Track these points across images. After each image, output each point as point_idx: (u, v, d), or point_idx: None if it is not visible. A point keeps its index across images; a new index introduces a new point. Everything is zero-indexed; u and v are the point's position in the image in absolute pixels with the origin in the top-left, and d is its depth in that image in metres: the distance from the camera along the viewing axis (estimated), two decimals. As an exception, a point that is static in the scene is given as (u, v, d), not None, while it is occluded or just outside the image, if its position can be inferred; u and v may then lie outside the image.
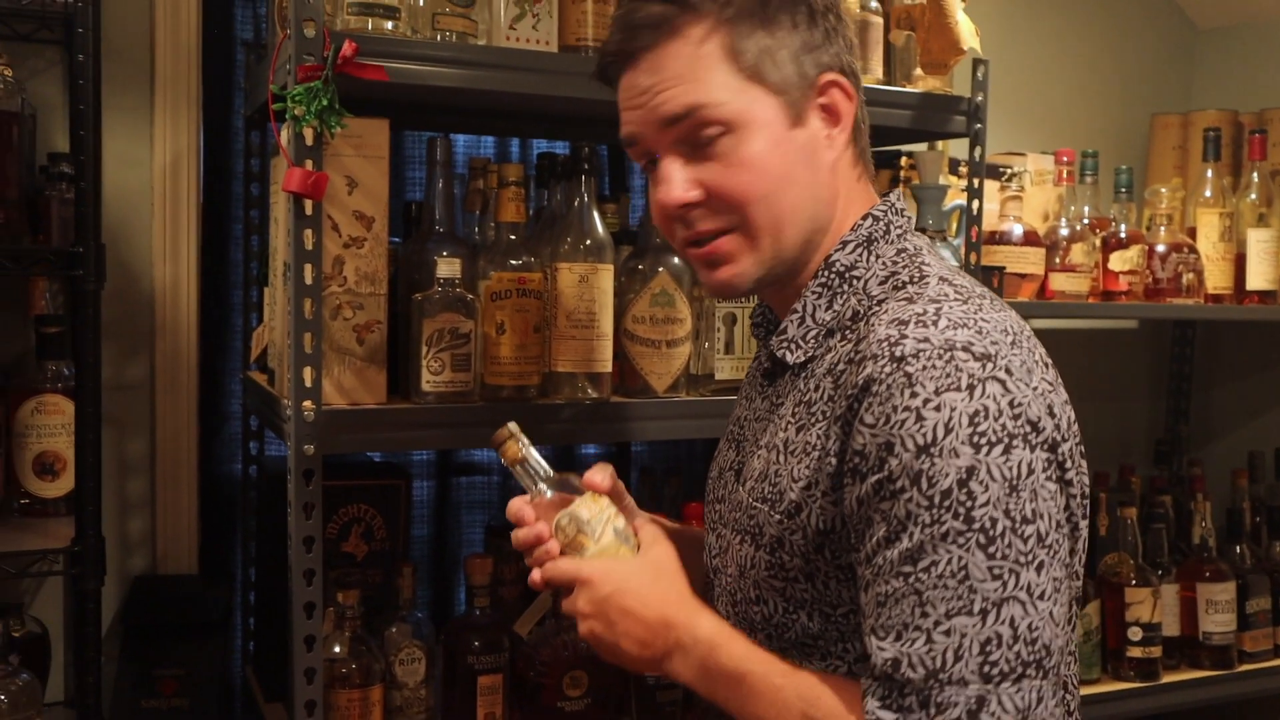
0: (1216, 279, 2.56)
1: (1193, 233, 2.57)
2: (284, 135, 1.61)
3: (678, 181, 1.12)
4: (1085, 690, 2.32)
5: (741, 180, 1.10)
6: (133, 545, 2.10)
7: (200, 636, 1.95)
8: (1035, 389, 1.00)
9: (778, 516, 1.09)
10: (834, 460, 1.04)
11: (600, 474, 1.21)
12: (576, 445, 2.43)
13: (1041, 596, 0.96)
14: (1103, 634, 2.39)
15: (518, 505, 1.21)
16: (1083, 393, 3.01)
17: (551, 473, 1.23)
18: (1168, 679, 2.41)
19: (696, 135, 1.10)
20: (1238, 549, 2.58)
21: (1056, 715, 0.97)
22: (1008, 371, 0.99)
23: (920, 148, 2.28)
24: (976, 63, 2.05)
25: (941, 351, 0.98)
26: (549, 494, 1.20)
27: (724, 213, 1.12)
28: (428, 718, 1.89)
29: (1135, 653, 2.37)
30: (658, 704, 1.91)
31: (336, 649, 1.73)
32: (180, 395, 2.11)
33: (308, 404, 1.59)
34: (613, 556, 1.15)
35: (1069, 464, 1.02)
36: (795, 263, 1.15)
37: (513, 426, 1.24)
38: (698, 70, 1.09)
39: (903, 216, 1.17)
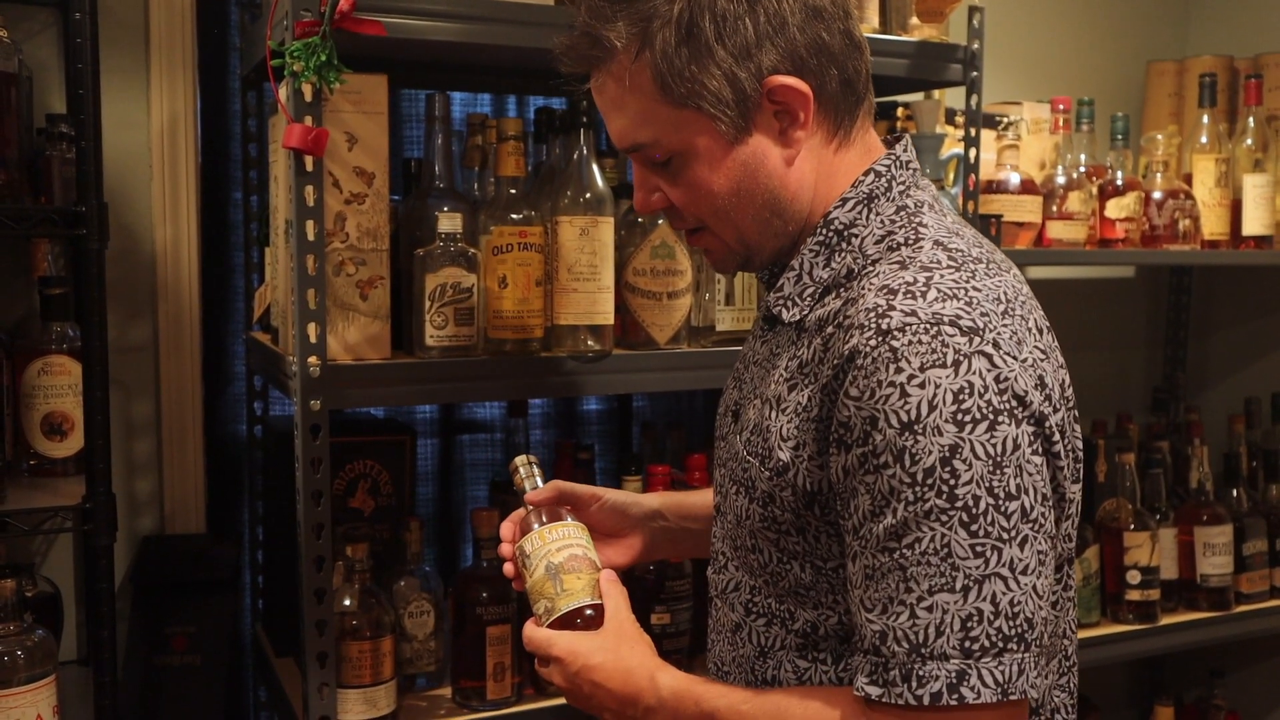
0: (1213, 225, 2.57)
1: (1189, 179, 2.58)
2: (283, 92, 1.62)
3: (643, 191, 1.17)
4: (1085, 633, 2.35)
5: (689, 201, 1.14)
6: (140, 506, 2.12)
7: (210, 594, 1.97)
8: (1024, 360, 1.00)
9: (767, 473, 1.10)
10: (817, 426, 1.05)
11: (544, 492, 1.32)
12: (579, 398, 2.45)
13: (1025, 571, 0.97)
14: (1102, 578, 2.42)
15: (505, 525, 1.34)
16: (1080, 341, 3.06)
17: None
18: (1166, 621, 2.44)
19: (648, 160, 1.14)
20: (1235, 493, 2.61)
21: (1039, 685, 0.99)
22: (995, 345, 0.98)
23: (917, 97, 2.28)
24: (972, 10, 2.04)
25: (928, 326, 0.98)
26: (533, 524, 1.28)
27: (688, 218, 1.16)
28: (438, 669, 1.92)
29: (1134, 596, 2.41)
30: (664, 652, 1.92)
31: (346, 602, 1.75)
32: (184, 357, 2.12)
33: (313, 359, 1.61)
34: (540, 592, 1.22)
35: (1056, 436, 1.02)
36: (778, 248, 1.16)
37: (528, 457, 1.37)
38: (632, 105, 1.10)
39: (908, 170, 1.15)
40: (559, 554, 1.23)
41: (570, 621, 1.19)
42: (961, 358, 0.97)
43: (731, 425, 1.22)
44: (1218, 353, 3.17)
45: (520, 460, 1.35)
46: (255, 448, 2.21)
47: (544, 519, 1.28)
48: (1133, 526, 2.41)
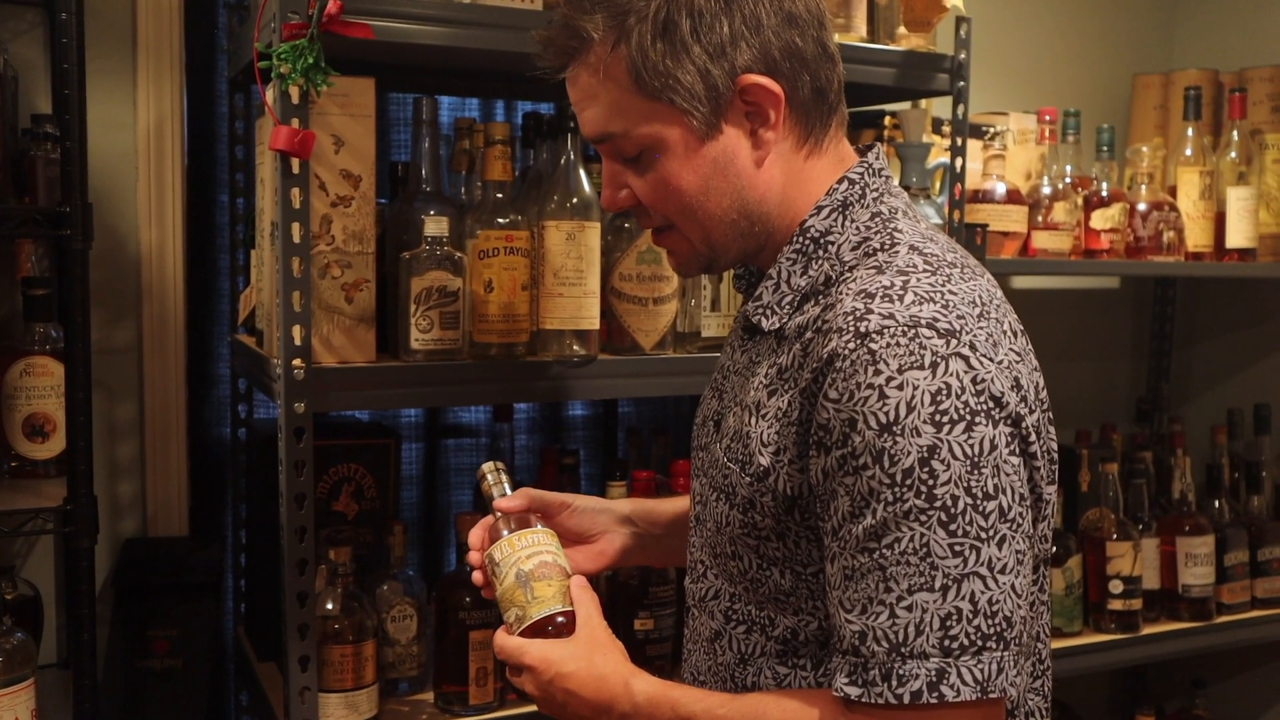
0: (1197, 237, 2.58)
1: (1173, 191, 2.60)
2: (270, 94, 1.61)
3: (611, 188, 1.17)
4: (1068, 642, 2.36)
5: (657, 196, 1.14)
6: (123, 508, 2.11)
7: (192, 597, 1.96)
8: (1000, 362, 1.01)
9: (748, 479, 1.10)
10: (797, 430, 1.05)
11: (513, 500, 1.31)
12: (564, 403, 2.45)
13: (1003, 570, 0.98)
14: (1084, 587, 2.43)
15: (474, 532, 1.32)
16: (1065, 352, 3.08)
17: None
18: (1147, 630, 2.45)
19: (617, 153, 1.15)
20: (1216, 503, 2.63)
21: (1017, 684, 0.99)
22: (971, 347, 0.99)
23: (904, 106, 2.29)
24: (959, 20, 2.05)
25: (906, 328, 0.99)
26: (503, 531, 1.27)
27: (655, 216, 1.17)
28: (420, 673, 1.91)
29: (1116, 605, 2.41)
30: (648, 657, 1.94)
31: (329, 606, 1.74)
32: (168, 359, 2.12)
33: (297, 362, 1.60)
34: (510, 600, 1.21)
35: (1033, 436, 1.03)
36: (743, 251, 1.17)
37: (495, 464, 1.35)
38: (606, 96, 1.11)
39: (880, 177, 1.16)
40: (529, 561, 1.23)
41: (542, 629, 1.19)
42: (939, 359, 0.98)
43: (713, 434, 1.22)
44: (1201, 364, 3.19)
45: (488, 467, 1.35)
46: (239, 451, 2.20)
47: (513, 526, 1.27)
48: (1115, 536, 2.42)
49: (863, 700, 0.99)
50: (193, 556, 2.04)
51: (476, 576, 1.30)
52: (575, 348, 1.77)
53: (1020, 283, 2.93)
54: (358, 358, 1.68)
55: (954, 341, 0.99)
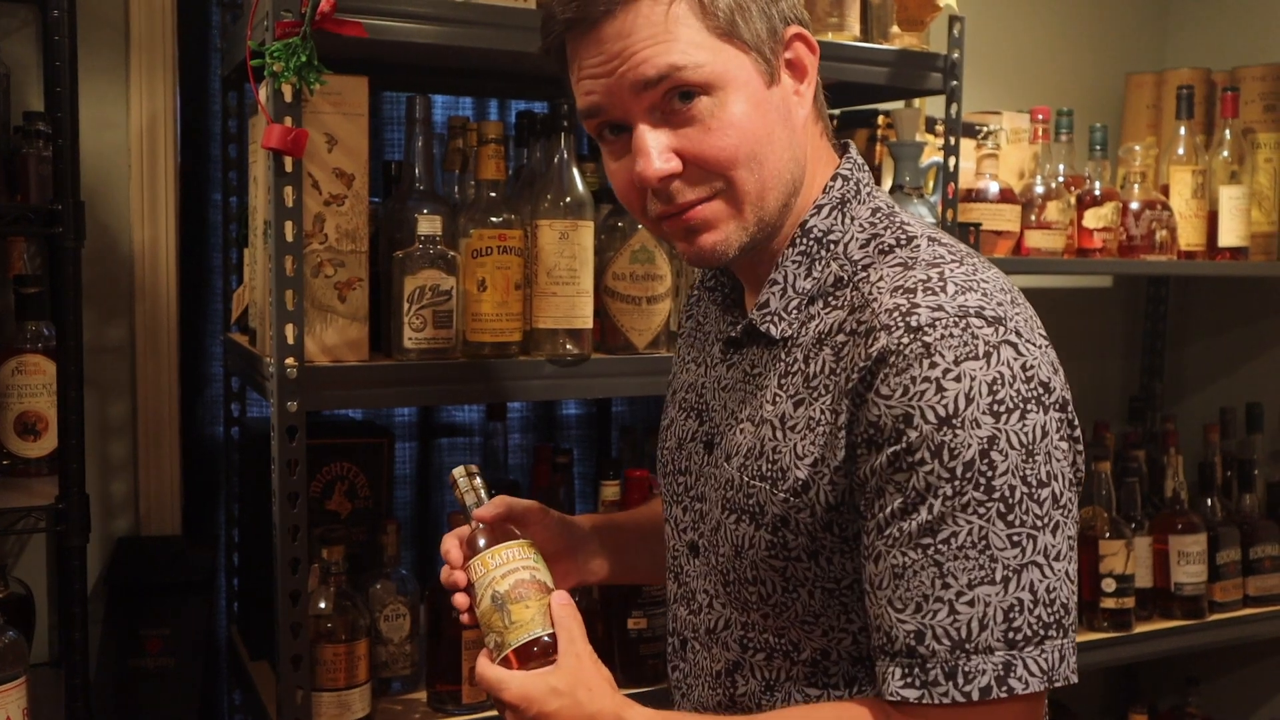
0: (1189, 236, 2.59)
1: (1166, 190, 2.60)
2: (263, 93, 1.61)
3: (656, 152, 1.04)
4: (1060, 640, 2.36)
5: (724, 144, 1.04)
6: (115, 507, 2.11)
7: (185, 596, 1.96)
8: (1040, 346, 1.00)
9: (782, 495, 1.06)
10: (844, 434, 1.01)
11: (490, 509, 1.21)
12: (558, 403, 2.45)
13: (1058, 557, 0.96)
14: (1077, 585, 2.43)
15: (447, 542, 1.24)
16: (1059, 351, 3.05)
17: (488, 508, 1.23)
18: (1140, 629, 2.46)
19: (672, 100, 1.04)
20: (1209, 502, 2.63)
21: (1076, 670, 0.98)
22: (1017, 333, 0.98)
23: (897, 105, 2.29)
24: (953, 20, 2.05)
25: (956, 319, 0.97)
26: (479, 544, 1.18)
27: (704, 181, 1.06)
28: (413, 673, 1.91)
29: (1109, 604, 2.42)
30: (641, 656, 1.94)
31: (322, 605, 1.74)
32: (161, 357, 2.11)
33: (290, 361, 1.60)
34: (488, 624, 1.14)
35: (1075, 419, 1.02)
36: (773, 227, 1.10)
37: (467, 468, 1.26)
38: (670, 32, 1.02)
39: (865, 172, 1.15)
40: (504, 581, 1.14)
41: (522, 656, 1.11)
42: (991, 348, 0.97)
43: (704, 456, 1.18)
44: (1194, 363, 3.20)
45: (458, 472, 1.25)
46: (232, 449, 2.20)
47: (489, 538, 1.18)
48: (1108, 534, 2.42)
49: (922, 701, 0.96)
50: (185, 555, 2.04)
51: (458, 600, 1.20)
52: (568, 347, 1.77)
53: (1013, 281, 2.92)
54: (350, 356, 1.68)
55: (1002, 329, 0.98)
